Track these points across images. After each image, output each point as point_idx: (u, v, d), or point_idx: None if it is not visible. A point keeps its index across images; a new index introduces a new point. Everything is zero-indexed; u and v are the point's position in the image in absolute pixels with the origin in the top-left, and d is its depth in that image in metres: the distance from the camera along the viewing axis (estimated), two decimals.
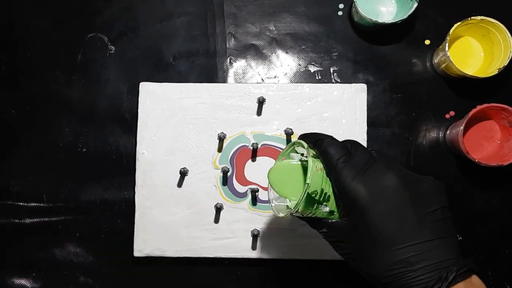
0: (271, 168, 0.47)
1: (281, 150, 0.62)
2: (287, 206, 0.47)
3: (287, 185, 0.46)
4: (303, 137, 0.46)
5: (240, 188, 0.64)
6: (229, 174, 0.64)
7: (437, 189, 0.41)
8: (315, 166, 0.42)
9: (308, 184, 0.41)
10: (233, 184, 0.64)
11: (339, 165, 0.41)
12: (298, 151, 0.48)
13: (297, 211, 0.42)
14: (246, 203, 0.64)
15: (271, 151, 0.65)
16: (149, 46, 0.68)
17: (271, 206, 0.47)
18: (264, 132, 0.65)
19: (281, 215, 0.45)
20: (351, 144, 0.43)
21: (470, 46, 0.66)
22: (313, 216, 0.44)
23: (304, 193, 0.41)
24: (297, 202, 0.41)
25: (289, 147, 0.48)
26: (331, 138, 0.44)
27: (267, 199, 0.62)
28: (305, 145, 0.44)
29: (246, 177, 0.64)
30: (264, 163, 0.65)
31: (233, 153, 0.65)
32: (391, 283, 0.39)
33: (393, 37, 0.67)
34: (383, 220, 0.39)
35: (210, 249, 0.63)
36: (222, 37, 0.68)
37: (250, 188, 0.64)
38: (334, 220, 0.42)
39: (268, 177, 0.47)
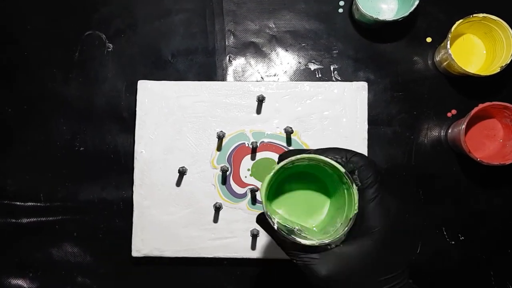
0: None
1: (281, 147, 0.61)
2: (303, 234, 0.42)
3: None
4: (323, 152, 0.42)
5: (239, 190, 0.64)
6: (228, 173, 0.64)
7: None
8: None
9: (355, 212, 0.40)
10: (231, 185, 0.64)
11: (376, 185, 0.41)
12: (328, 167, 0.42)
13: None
14: (245, 204, 0.63)
15: (272, 147, 0.64)
16: (147, 43, 0.68)
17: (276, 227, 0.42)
18: (264, 130, 0.64)
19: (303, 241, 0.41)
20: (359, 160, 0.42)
21: (472, 43, 0.66)
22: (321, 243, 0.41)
23: (349, 223, 0.40)
24: (341, 231, 0.40)
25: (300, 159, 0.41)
26: (363, 156, 0.42)
27: None
28: (341, 169, 0.40)
29: (245, 177, 0.64)
30: (264, 163, 0.64)
31: (231, 151, 0.64)
32: None
33: (394, 34, 0.67)
34: (390, 246, 0.41)
35: (209, 249, 0.63)
36: (221, 35, 0.68)
37: (250, 188, 0.63)
38: (339, 246, 0.41)
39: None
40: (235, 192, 0.64)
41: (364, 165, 0.41)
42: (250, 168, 0.64)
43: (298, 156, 0.41)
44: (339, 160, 0.41)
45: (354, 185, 0.40)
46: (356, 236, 0.41)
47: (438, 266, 0.64)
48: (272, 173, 0.40)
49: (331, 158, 0.41)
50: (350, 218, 0.40)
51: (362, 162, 0.41)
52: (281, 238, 0.42)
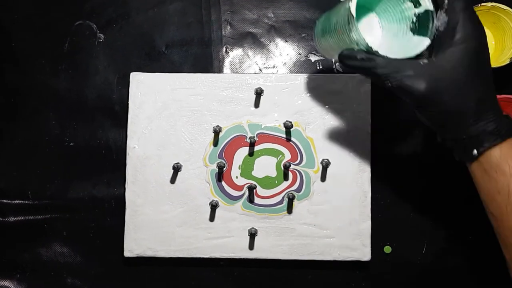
0: None
1: (282, 138, 0.62)
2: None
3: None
4: None
5: (233, 192, 0.63)
6: (224, 169, 0.62)
7: None
8: None
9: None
10: (224, 187, 0.62)
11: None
12: None
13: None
14: (240, 205, 0.62)
15: (272, 139, 0.63)
16: (141, 34, 0.67)
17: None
18: (262, 123, 0.63)
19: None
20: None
21: None
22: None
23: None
24: None
25: None
26: None
27: (264, 195, 0.62)
28: None
29: (236, 178, 0.62)
30: (263, 160, 0.63)
31: (224, 146, 0.63)
32: (481, 118, 0.45)
33: None
34: (482, 57, 0.45)
35: (205, 249, 0.62)
36: (218, 25, 0.67)
37: (248, 186, 0.62)
38: (425, 61, 0.45)
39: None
40: (230, 194, 0.62)
41: None
42: (240, 165, 0.63)
43: None
44: None
45: None
46: (448, 47, 0.44)
47: (444, 265, 0.63)
48: None
49: None
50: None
51: None
52: (369, 63, 0.45)
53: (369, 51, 0.45)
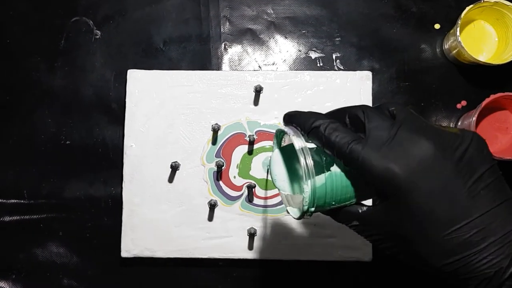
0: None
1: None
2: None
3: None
4: (288, 120, 0.39)
5: (232, 192, 0.62)
6: (223, 168, 0.62)
7: (479, 147, 0.34)
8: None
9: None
10: (222, 187, 0.62)
11: (354, 149, 0.33)
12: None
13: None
14: (238, 206, 0.62)
15: (270, 137, 0.62)
16: (138, 30, 0.66)
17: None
18: (261, 121, 0.62)
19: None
20: (362, 113, 0.36)
21: (483, 30, 0.64)
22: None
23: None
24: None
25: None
26: (327, 120, 0.36)
27: (263, 195, 0.61)
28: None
29: (234, 178, 0.62)
30: (262, 157, 0.62)
31: (224, 141, 0.62)
32: (456, 271, 0.33)
33: (401, 21, 0.65)
34: (430, 199, 0.32)
35: (204, 249, 0.61)
36: (216, 21, 0.66)
37: (247, 185, 0.62)
38: (365, 209, 0.36)
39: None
40: (227, 193, 0.62)
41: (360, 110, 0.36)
42: (239, 164, 0.62)
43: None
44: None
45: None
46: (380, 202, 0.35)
47: None
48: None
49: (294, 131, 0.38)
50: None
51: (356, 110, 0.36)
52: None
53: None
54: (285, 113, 0.39)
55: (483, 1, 0.59)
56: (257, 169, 0.61)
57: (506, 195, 0.33)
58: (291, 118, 0.39)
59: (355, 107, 0.37)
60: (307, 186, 0.35)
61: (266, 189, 0.61)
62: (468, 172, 0.32)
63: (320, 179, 0.36)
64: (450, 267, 0.33)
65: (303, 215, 0.37)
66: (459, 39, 0.58)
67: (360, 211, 0.36)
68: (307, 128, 0.36)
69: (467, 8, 0.59)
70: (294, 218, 0.39)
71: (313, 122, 0.36)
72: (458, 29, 0.59)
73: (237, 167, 0.61)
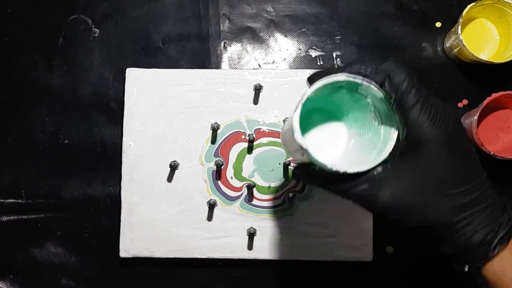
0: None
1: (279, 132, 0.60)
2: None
3: None
4: (313, 78, 0.41)
5: (231, 192, 0.62)
6: (223, 167, 0.61)
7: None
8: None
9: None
10: (221, 187, 0.62)
11: (413, 89, 0.37)
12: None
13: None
14: (237, 206, 0.61)
15: (270, 134, 0.62)
16: (137, 29, 0.66)
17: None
18: (261, 119, 0.62)
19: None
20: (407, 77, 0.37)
21: (485, 28, 0.63)
22: None
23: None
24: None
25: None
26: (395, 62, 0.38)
27: (263, 198, 0.61)
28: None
29: (231, 179, 0.62)
30: (263, 155, 0.62)
31: (223, 140, 0.62)
32: (462, 229, 0.36)
33: (401, 19, 0.65)
34: (454, 156, 0.37)
35: (203, 249, 0.61)
36: (216, 19, 0.66)
37: (246, 185, 0.61)
38: (380, 170, 0.37)
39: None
40: (226, 193, 0.62)
41: (394, 70, 0.37)
42: (234, 164, 0.62)
43: (331, 80, 0.38)
44: (366, 72, 0.38)
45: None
46: (404, 153, 0.38)
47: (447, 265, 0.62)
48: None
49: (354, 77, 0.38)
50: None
51: (391, 66, 0.37)
52: (322, 178, 0.40)
53: (321, 167, 0.38)
54: (308, 77, 0.42)
55: None
56: (251, 171, 0.61)
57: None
58: (322, 74, 0.40)
59: (397, 71, 0.37)
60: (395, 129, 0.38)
61: (266, 193, 0.61)
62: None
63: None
64: (460, 223, 0.36)
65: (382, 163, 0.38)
66: (461, 37, 0.58)
67: (375, 172, 0.38)
68: (371, 70, 0.38)
69: (469, 6, 0.58)
70: (361, 171, 0.38)
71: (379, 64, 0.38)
72: (459, 27, 0.58)
73: (233, 168, 0.61)
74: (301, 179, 0.42)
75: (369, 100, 0.40)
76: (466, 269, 0.38)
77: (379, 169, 0.37)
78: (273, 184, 0.61)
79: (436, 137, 0.36)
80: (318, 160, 0.37)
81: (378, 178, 0.37)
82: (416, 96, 0.36)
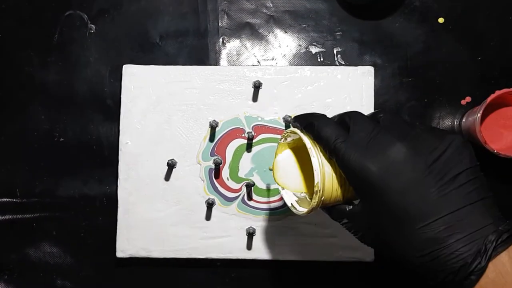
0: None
1: (281, 129, 0.61)
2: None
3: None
4: (295, 120, 0.44)
5: (228, 193, 0.61)
6: (221, 166, 0.61)
7: (457, 150, 0.37)
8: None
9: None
10: (217, 187, 0.61)
11: (338, 146, 0.38)
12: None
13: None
14: (235, 207, 0.61)
15: (270, 130, 0.62)
16: (134, 24, 0.65)
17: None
18: (261, 116, 0.62)
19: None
20: (349, 118, 0.40)
21: None
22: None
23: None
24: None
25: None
26: (323, 118, 0.41)
27: (261, 199, 0.61)
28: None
29: (227, 179, 0.61)
30: (262, 152, 0.61)
31: (219, 138, 0.61)
32: (425, 265, 0.36)
33: (403, 15, 0.64)
34: (401, 197, 0.36)
35: (201, 249, 0.61)
36: (214, 15, 0.65)
37: (245, 183, 0.61)
38: (351, 207, 0.40)
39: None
40: (222, 193, 0.61)
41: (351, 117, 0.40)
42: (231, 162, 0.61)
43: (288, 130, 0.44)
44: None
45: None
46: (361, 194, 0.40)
47: None
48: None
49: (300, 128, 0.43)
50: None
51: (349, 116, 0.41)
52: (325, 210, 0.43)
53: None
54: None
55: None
56: (249, 170, 0.61)
57: (484, 193, 0.36)
58: (296, 119, 0.43)
59: (344, 113, 0.41)
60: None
61: (263, 196, 0.61)
62: (440, 173, 0.36)
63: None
64: (421, 259, 0.36)
65: (311, 210, 0.41)
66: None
67: (347, 209, 0.40)
68: (304, 124, 0.41)
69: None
70: (300, 214, 0.43)
71: (310, 119, 0.41)
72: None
73: (229, 168, 0.61)
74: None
75: None
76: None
77: (349, 206, 0.40)
78: (273, 186, 0.60)
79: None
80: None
81: (351, 213, 0.40)
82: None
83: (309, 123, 0.41)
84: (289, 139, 0.46)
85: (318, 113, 0.42)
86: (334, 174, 0.40)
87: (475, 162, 0.37)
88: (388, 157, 0.36)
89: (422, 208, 0.35)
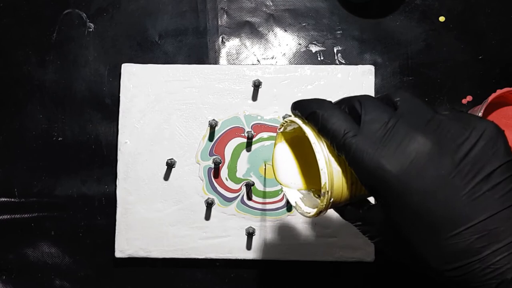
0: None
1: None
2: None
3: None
4: (295, 107, 0.37)
5: (227, 193, 0.61)
6: (220, 165, 0.60)
7: (490, 142, 0.30)
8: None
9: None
10: (216, 187, 0.61)
11: (348, 142, 0.32)
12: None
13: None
14: (234, 207, 0.60)
15: (269, 129, 0.61)
16: (132, 23, 0.65)
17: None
18: (261, 115, 0.61)
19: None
20: (359, 104, 0.34)
21: None
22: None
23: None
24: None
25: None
26: (328, 105, 0.35)
27: (260, 200, 0.60)
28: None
29: (226, 180, 0.61)
30: (261, 151, 0.61)
31: (218, 137, 0.61)
32: (456, 280, 0.30)
33: (404, 13, 0.64)
34: (425, 201, 0.30)
35: (200, 249, 0.60)
36: (214, 13, 0.64)
37: (245, 183, 0.60)
38: (366, 209, 0.35)
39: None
40: (221, 193, 0.61)
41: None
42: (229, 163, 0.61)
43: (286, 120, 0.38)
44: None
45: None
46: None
47: None
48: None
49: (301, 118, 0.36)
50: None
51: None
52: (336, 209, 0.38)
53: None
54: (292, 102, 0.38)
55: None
56: (247, 169, 0.60)
57: None
58: (295, 105, 0.37)
59: (353, 98, 0.35)
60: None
61: (261, 197, 0.60)
62: (471, 171, 0.30)
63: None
64: (451, 273, 0.30)
65: (319, 213, 0.36)
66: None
67: (361, 210, 0.35)
68: (306, 113, 0.35)
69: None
70: (306, 216, 0.37)
71: (313, 106, 0.35)
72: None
73: (227, 168, 0.60)
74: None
75: None
76: None
77: (363, 207, 0.36)
78: (268, 189, 0.60)
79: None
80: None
81: (366, 216, 0.35)
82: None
83: (312, 112, 0.35)
84: (289, 128, 0.40)
85: (322, 99, 0.36)
86: (344, 171, 0.34)
87: (511, 155, 0.31)
88: (408, 155, 0.30)
89: (451, 215, 0.30)
